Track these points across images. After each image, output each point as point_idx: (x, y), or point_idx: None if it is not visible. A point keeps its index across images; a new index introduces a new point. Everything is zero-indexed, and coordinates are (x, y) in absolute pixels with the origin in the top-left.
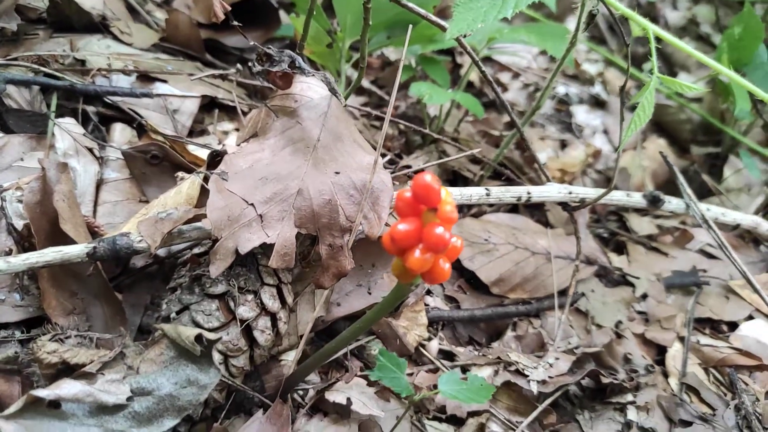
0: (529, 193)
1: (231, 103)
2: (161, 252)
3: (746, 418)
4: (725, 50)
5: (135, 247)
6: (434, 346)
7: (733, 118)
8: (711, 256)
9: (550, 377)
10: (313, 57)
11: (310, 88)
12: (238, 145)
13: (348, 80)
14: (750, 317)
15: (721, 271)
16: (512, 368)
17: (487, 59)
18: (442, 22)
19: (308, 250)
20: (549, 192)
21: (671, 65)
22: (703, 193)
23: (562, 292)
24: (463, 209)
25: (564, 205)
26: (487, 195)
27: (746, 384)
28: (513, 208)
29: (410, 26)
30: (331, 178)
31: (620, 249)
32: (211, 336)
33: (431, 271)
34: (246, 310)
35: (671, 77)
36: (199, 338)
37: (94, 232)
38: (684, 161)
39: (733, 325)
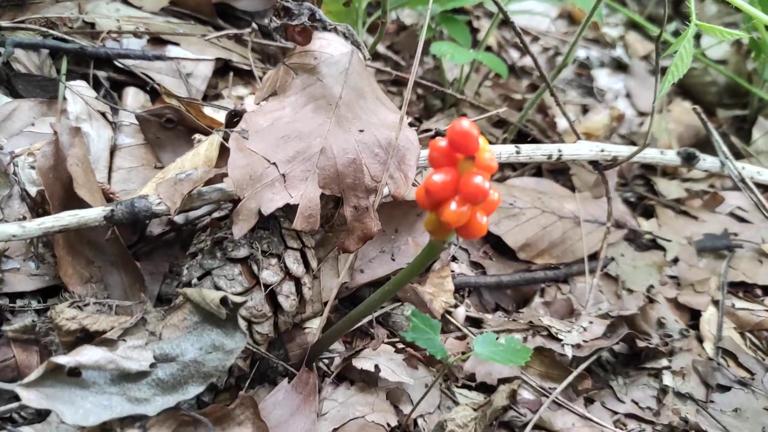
0: (560, 151)
1: (245, 67)
2: (179, 219)
3: None
4: (756, 5)
5: (154, 209)
6: (461, 312)
7: (762, 79)
8: (742, 220)
9: (584, 341)
10: (329, 17)
11: (329, 45)
12: (257, 103)
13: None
14: None
15: (753, 234)
16: (544, 333)
17: (505, 23)
18: None
19: (331, 213)
20: (580, 150)
21: None
22: (733, 155)
23: (591, 257)
24: None
25: (595, 164)
26: (517, 153)
27: None
28: (536, 173)
29: None
30: (355, 137)
31: (648, 213)
32: (237, 299)
33: (468, 224)
34: (270, 275)
35: (695, 40)
36: (224, 301)
37: (109, 199)
38: (710, 124)
39: (767, 290)
